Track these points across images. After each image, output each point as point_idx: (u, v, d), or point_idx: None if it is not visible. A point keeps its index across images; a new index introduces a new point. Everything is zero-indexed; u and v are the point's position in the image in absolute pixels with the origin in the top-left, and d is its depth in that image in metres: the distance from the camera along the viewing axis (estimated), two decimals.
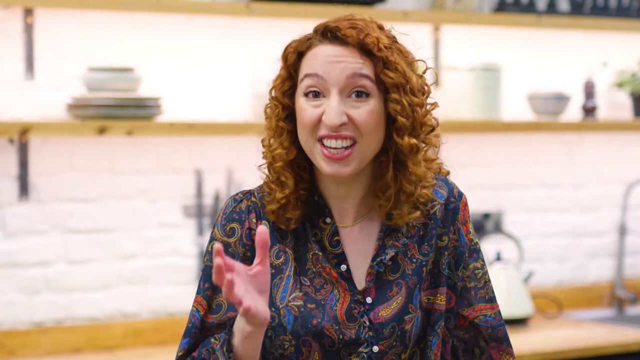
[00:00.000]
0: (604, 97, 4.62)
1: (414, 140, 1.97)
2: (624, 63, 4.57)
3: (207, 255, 2.05)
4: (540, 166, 4.50)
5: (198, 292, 2.04)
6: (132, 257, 3.75)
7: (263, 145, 2.05)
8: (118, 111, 3.49)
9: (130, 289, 3.75)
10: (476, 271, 2.09)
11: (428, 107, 2.02)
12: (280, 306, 1.99)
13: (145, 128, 3.53)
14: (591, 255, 4.62)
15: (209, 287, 2.03)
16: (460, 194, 2.10)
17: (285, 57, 2.01)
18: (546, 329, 4.07)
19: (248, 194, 2.07)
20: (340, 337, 1.98)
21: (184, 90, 3.80)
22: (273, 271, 2.01)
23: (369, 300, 2.00)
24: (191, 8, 3.66)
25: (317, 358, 1.99)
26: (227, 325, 1.99)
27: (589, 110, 4.43)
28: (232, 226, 2.05)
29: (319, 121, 1.95)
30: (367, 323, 1.99)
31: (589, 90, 4.43)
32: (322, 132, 1.95)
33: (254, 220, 2.04)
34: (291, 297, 1.99)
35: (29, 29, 3.54)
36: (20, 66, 3.57)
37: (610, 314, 4.50)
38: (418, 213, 2.03)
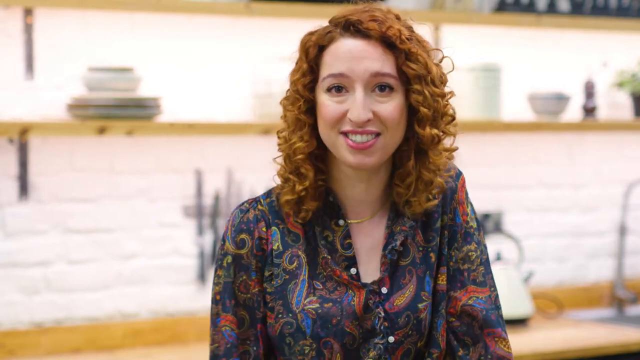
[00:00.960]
0: (604, 97, 4.61)
1: (435, 131, 1.98)
2: (624, 63, 4.57)
3: (223, 271, 2.01)
4: (540, 166, 4.50)
5: (225, 310, 2.01)
6: (132, 257, 3.75)
7: (279, 137, 2.03)
8: (118, 111, 3.49)
9: (130, 289, 3.75)
10: (470, 254, 2.07)
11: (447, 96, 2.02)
12: (297, 311, 1.98)
13: (145, 128, 3.53)
14: (591, 255, 4.62)
15: (235, 304, 2.01)
16: (458, 174, 2.09)
17: (306, 50, 1.99)
18: (546, 329, 4.07)
19: (254, 202, 2.05)
20: (360, 331, 1.98)
21: (184, 90, 3.80)
22: (287, 277, 2.00)
23: (384, 290, 2.00)
24: (191, 8, 3.66)
25: (338, 359, 1.98)
26: (250, 340, 1.99)
27: (589, 110, 4.43)
28: (242, 237, 2.02)
29: (343, 117, 1.95)
30: (382, 314, 1.98)
31: (589, 90, 4.43)
32: (346, 127, 1.95)
33: (263, 229, 2.02)
34: (306, 300, 1.98)
35: (29, 29, 3.54)
36: (20, 66, 3.56)
37: (610, 314, 4.50)
38: (436, 202, 2.03)
